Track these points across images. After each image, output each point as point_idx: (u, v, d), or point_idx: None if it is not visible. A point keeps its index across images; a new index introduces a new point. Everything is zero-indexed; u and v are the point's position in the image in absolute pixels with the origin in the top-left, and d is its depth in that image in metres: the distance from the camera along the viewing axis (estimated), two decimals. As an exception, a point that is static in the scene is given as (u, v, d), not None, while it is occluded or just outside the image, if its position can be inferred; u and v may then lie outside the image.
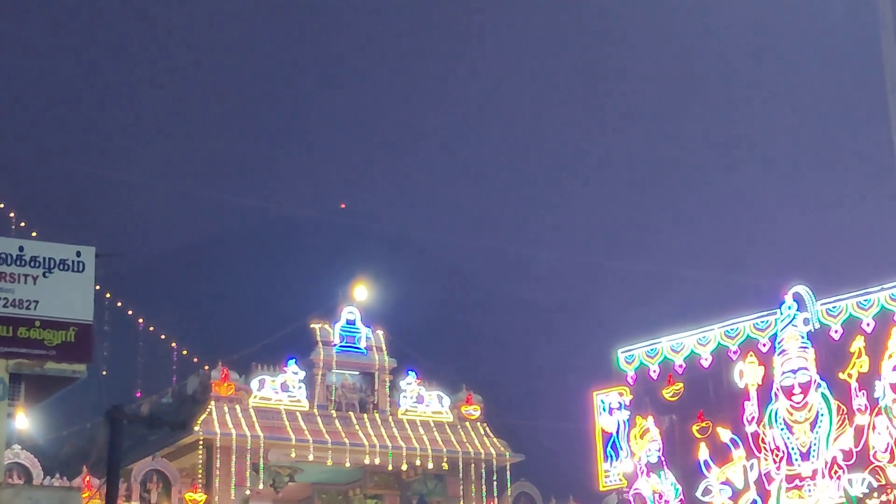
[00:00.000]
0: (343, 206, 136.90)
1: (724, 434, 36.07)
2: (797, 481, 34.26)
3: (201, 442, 47.71)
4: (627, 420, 39.47)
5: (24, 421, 40.59)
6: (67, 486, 44.37)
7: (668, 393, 37.87)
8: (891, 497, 32.26)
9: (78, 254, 17.15)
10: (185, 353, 58.68)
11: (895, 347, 32.59)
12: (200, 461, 47.90)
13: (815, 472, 33.87)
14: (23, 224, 54.59)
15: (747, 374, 35.82)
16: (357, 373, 52.40)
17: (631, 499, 38.29)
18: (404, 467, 51.81)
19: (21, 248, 16.96)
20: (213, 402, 48.50)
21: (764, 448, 35.04)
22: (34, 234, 50.15)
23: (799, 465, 34.10)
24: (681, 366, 37.66)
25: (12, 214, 54.99)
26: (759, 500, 34.94)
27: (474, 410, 53.69)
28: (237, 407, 48.99)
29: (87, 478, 44.85)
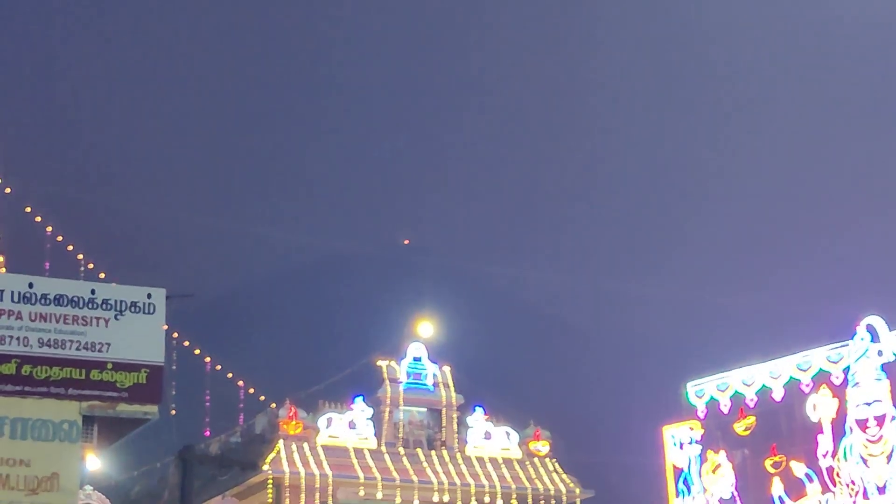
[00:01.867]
0: (407, 241, 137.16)
1: (798, 468, 35.55)
2: (874, 516, 33.66)
3: (270, 481, 47.76)
4: (699, 455, 39.03)
5: (96, 462, 40.83)
6: (138, 526, 44.62)
7: (740, 427, 37.41)
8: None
9: (149, 296, 17.17)
10: (252, 391, 58.88)
11: (972, 378, 32.05)
12: (270, 500, 47.93)
13: (892, 506, 33.27)
14: (91, 266, 55.09)
15: (821, 407, 35.30)
16: (424, 409, 52.30)
17: (704, 535, 37.78)
18: (473, 504, 51.57)
19: (93, 291, 17.01)
20: (281, 441, 48.57)
21: (839, 482, 34.48)
22: (102, 275, 50.57)
23: (875, 500, 33.51)
24: (752, 399, 37.20)
25: (81, 256, 55.50)
26: (835, 535, 34.37)
27: (542, 446, 53.38)
28: (305, 445, 49.02)
29: (158, 518, 45.03)
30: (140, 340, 16.79)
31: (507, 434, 53.20)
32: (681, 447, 40.03)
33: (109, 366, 16.64)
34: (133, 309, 16.83)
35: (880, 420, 33.81)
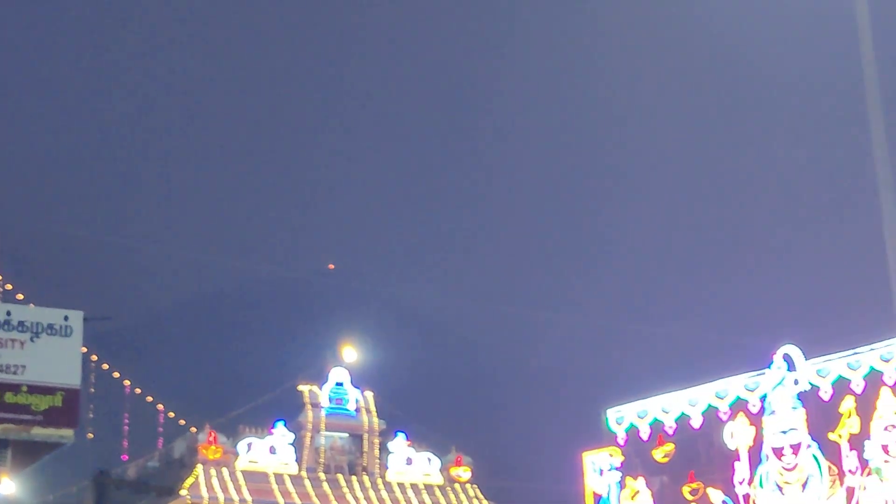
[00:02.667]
0: (332, 266, 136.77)
1: (716, 495, 35.83)
2: (789, 543, 34.02)
3: (189, 506, 47.37)
4: (619, 482, 39.20)
5: (10, 486, 40.28)
6: (53, 550, 44.04)
7: (658, 454, 37.64)
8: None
9: (66, 318, 17.06)
10: (171, 415, 58.41)
11: (885, 408, 32.45)
12: (188, 525, 47.53)
13: (807, 533, 33.65)
14: (9, 286, 54.44)
15: (738, 434, 35.62)
16: (346, 435, 52.22)
17: (622, 561, 37.96)
18: (394, 530, 51.47)
19: (8, 313, 16.87)
20: (200, 466, 48.22)
21: (755, 509, 34.81)
22: (20, 296, 49.96)
23: (791, 527, 33.89)
24: (671, 427, 37.46)
25: (-1, 277, 54.82)
26: (750, 562, 34.69)
27: (464, 472, 53.46)
28: (224, 470, 48.71)
29: (73, 542, 44.49)
30: (56, 363, 16.67)
31: (429, 460, 53.21)
32: (600, 473, 40.18)
33: (24, 388, 16.50)
34: (49, 331, 16.70)
35: (796, 448, 34.19)
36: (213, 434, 49.16)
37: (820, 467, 33.63)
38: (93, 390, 53.37)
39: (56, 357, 16.74)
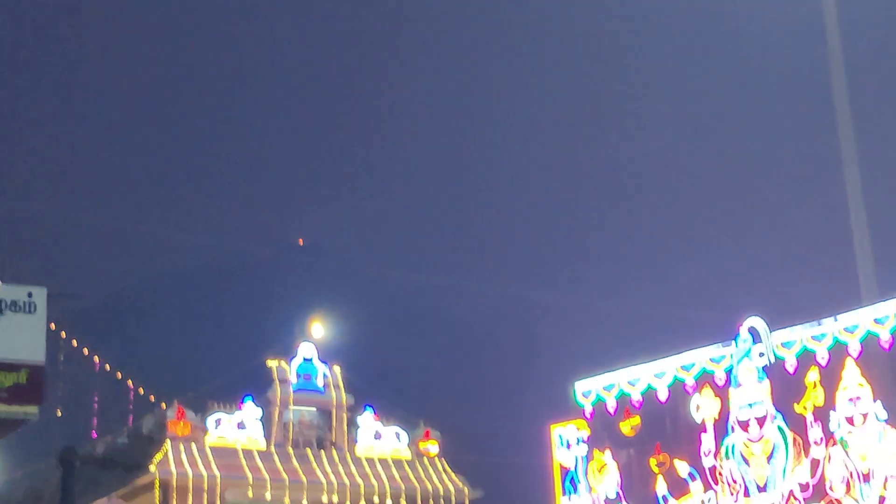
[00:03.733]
0: (301, 242, 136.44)
1: (682, 467, 36.04)
2: (755, 514, 34.30)
3: (157, 482, 47.41)
4: (586, 455, 39.37)
5: (-24, 463, 40.21)
6: (22, 528, 43.97)
7: (625, 427, 37.80)
8: (847, 529, 32.34)
9: (29, 294, 17.01)
10: (141, 391, 58.31)
11: (849, 379, 32.66)
12: (157, 501, 47.56)
13: (772, 504, 33.93)
14: (-24, 264, 54.07)
15: (704, 407, 35.80)
16: (314, 410, 52.31)
17: (590, 534, 38.16)
18: (362, 505, 51.62)
19: (-29, 290, 16.83)
20: (168, 442, 48.24)
21: (721, 481, 35.03)
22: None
23: (756, 498, 34.15)
24: (638, 400, 37.61)
25: (-37, 254, 54.48)
26: (717, 533, 34.95)
27: (432, 446, 53.64)
28: (193, 446, 48.74)
29: (42, 520, 44.43)
30: (20, 340, 16.63)
31: (397, 434, 53.37)
32: (568, 447, 40.36)
33: (-12, 365, 16.46)
34: (13, 308, 16.66)
35: (761, 420, 34.40)
36: (181, 410, 49.18)
37: (785, 439, 33.89)
38: (62, 368, 53.22)
39: (20, 334, 16.70)
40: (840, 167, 37.31)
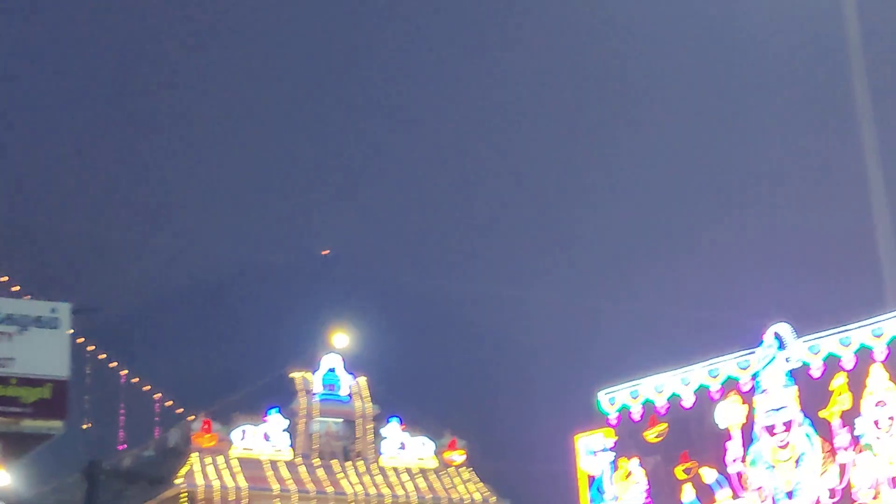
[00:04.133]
0: (326, 252, 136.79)
1: (709, 475, 35.95)
2: (782, 521, 34.15)
3: (184, 495, 47.50)
4: (612, 462, 39.32)
5: (5, 477, 40.34)
6: (50, 542, 44.14)
7: (651, 434, 37.73)
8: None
9: (53, 310, 17.10)
10: (168, 404, 58.45)
11: (875, 384, 32.54)
12: (183, 514, 47.67)
13: (800, 511, 33.78)
14: (4, 278, 54.33)
15: (730, 413, 35.72)
16: (339, 420, 52.34)
17: (617, 542, 38.08)
18: (389, 515, 51.63)
19: (-4, 307, 16.91)
20: (194, 454, 48.33)
21: (748, 488, 34.93)
22: (15, 288, 49.81)
23: (784, 505, 34.03)
24: (664, 406, 37.55)
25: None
26: (745, 540, 34.82)
27: (458, 456, 53.59)
28: (219, 458, 48.83)
29: (70, 533, 44.56)
30: (44, 355, 16.70)
31: (423, 444, 53.35)
32: (594, 455, 40.33)
33: (13, 381, 16.55)
34: (37, 324, 16.73)
35: (788, 426, 34.30)
36: (207, 422, 49.27)
37: (812, 444, 33.76)
38: (88, 381, 53.40)
39: (44, 349, 16.79)
40: (865, 171, 37.14)
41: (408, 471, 52.16)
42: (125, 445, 57.25)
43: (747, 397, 35.38)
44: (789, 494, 34.05)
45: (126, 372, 57.36)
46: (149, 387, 58.22)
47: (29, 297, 17.30)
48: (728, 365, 36.05)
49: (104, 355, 55.95)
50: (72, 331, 17.26)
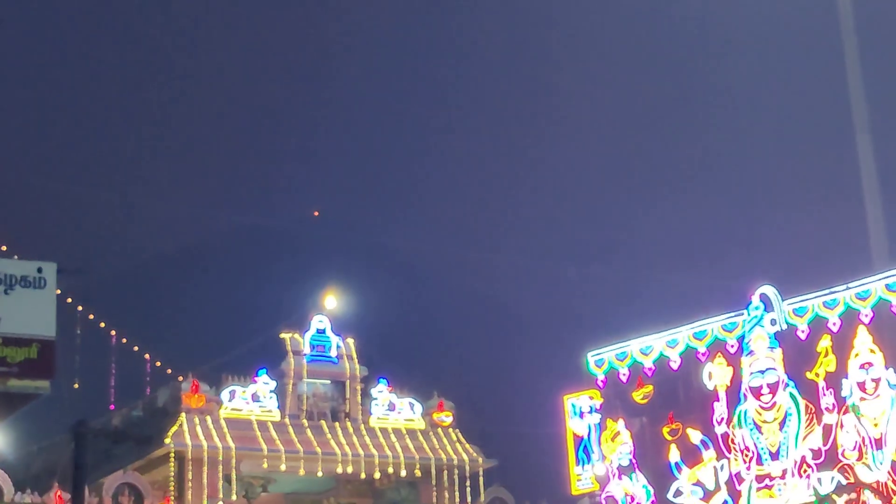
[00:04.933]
0: (316, 213, 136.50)
1: (695, 436, 36.15)
2: (767, 481, 34.38)
3: (173, 454, 47.63)
4: (598, 423, 39.55)
5: (-7, 437, 40.48)
6: (39, 501, 44.29)
7: (638, 396, 37.92)
8: (861, 496, 32.43)
9: (39, 269, 17.10)
10: (158, 364, 58.54)
11: (861, 346, 32.72)
12: (172, 474, 47.81)
13: (784, 471, 34.00)
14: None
15: (716, 375, 35.91)
16: (328, 382, 52.45)
17: (603, 502, 38.31)
18: (377, 475, 51.86)
19: (-20, 267, 16.92)
20: (183, 415, 48.45)
21: (734, 449, 35.15)
22: (2, 248, 49.82)
23: (769, 465, 34.26)
24: (650, 368, 37.72)
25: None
26: (730, 500, 35.06)
27: (446, 417, 53.79)
28: (208, 418, 48.93)
29: (59, 493, 44.71)
30: (31, 315, 16.71)
31: (411, 405, 53.51)
32: (581, 416, 40.59)
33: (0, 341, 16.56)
34: (23, 283, 16.74)
35: (773, 387, 34.49)
36: (195, 383, 49.35)
37: (798, 406, 33.97)
38: (78, 341, 53.46)
39: (31, 309, 16.80)
40: (852, 135, 37.22)
41: (396, 432, 52.34)
42: (113, 405, 57.39)
43: (733, 359, 35.57)
44: (774, 455, 34.29)
45: (115, 332, 57.42)
46: (137, 347, 58.30)
47: (17, 257, 17.27)
48: (714, 327, 36.21)
49: (93, 315, 55.99)
50: (59, 291, 17.26)
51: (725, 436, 35.46)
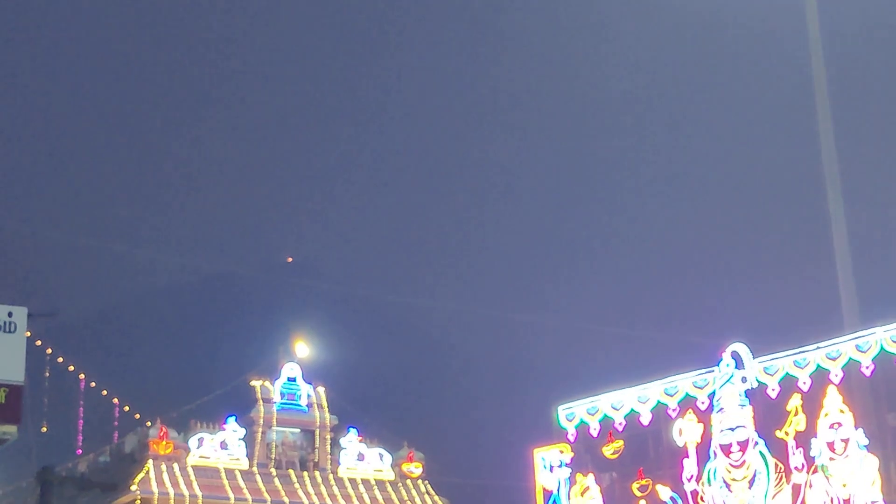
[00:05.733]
0: (290, 260, 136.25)
1: (664, 492, 36.08)
2: (736, 539, 34.29)
3: (138, 501, 47.22)
4: (568, 478, 39.40)
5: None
6: (2, 547, 43.81)
7: (608, 450, 37.84)
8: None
9: (10, 314, 16.99)
10: (126, 409, 58.15)
11: (831, 406, 32.78)
12: (138, 521, 47.38)
13: (753, 530, 33.93)
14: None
15: (686, 431, 35.88)
16: (298, 430, 52.16)
17: (572, 557, 38.13)
18: (345, 526, 51.50)
19: (-49, 310, 16.80)
20: (150, 461, 48.08)
21: (703, 506, 35.06)
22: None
23: (738, 524, 34.18)
24: (621, 423, 37.67)
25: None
26: (698, 558, 34.95)
27: (416, 468, 53.52)
28: (175, 466, 48.58)
29: (23, 538, 44.25)
30: (0, 359, 16.59)
31: (381, 455, 53.25)
32: (551, 470, 40.41)
33: (-32, 385, 16.42)
34: (-7, 327, 16.64)
35: (743, 445, 34.48)
36: (164, 429, 49.01)
37: (767, 464, 33.95)
38: (47, 384, 53.11)
39: (0, 353, 16.67)
40: (824, 198, 37.41)
41: (365, 482, 52.05)
42: (81, 451, 56.93)
43: (704, 416, 35.55)
44: (743, 514, 34.20)
45: (84, 376, 57.07)
46: (106, 391, 57.93)
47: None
48: (685, 383, 36.21)
49: (62, 359, 55.65)
50: (28, 334, 17.15)
51: (695, 493, 35.38)
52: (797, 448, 33.30)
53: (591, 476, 38.30)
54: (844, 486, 32.32)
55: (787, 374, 33.86)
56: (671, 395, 36.54)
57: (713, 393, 35.40)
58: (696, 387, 35.93)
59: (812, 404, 33.20)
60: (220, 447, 49.91)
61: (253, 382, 52.25)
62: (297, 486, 50.57)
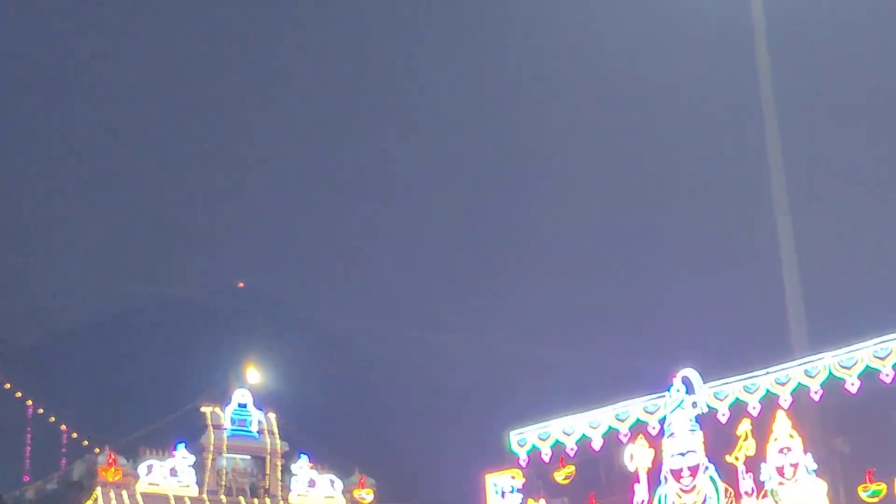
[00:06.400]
0: (241, 285, 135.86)
1: (615, 517, 36.21)
2: (687, 564, 34.43)
3: (87, 529, 46.83)
4: (520, 503, 39.44)
5: None
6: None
7: (560, 476, 37.93)
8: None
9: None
10: (74, 435, 57.69)
11: (780, 431, 33.02)
12: (86, 549, 46.97)
13: (704, 554, 34.08)
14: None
15: (637, 456, 36.04)
16: (248, 457, 51.91)
17: (523, 583, 38.15)
18: (296, 553, 51.28)
19: None
20: (99, 488, 47.70)
21: (654, 531, 35.19)
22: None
23: (688, 548, 34.32)
24: (573, 448, 37.79)
25: None
26: (649, 583, 35.05)
27: (367, 494, 53.38)
28: (124, 493, 48.21)
29: (-31, 567, 43.75)
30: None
31: (332, 482, 53.09)
32: (503, 495, 40.42)
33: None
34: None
35: (693, 470, 34.66)
36: (112, 456, 48.63)
37: (717, 489, 34.13)
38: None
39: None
40: (774, 224, 37.74)
41: (316, 509, 51.88)
42: (28, 478, 56.40)
43: (655, 441, 35.71)
44: (694, 538, 34.35)
45: (31, 402, 56.60)
46: (54, 418, 57.46)
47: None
48: (636, 408, 36.38)
49: (9, 385, 55.21)
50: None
51: (646, 518, 35.50)
52: (747, 473, 33.50)
53: (542, 501, 38.39)
54: (794, 510, 32.54)
55: (737, 399, 34.10)
56: (622, 421, 36.71)
57: (664, 418, 35.58)
58: (646, 412, 36.11)
59: (762, 429, 33.44)
60: (169, 474, 49.58)
61: (203, 408, 51.96)
62: (247, 512, 50.31)
